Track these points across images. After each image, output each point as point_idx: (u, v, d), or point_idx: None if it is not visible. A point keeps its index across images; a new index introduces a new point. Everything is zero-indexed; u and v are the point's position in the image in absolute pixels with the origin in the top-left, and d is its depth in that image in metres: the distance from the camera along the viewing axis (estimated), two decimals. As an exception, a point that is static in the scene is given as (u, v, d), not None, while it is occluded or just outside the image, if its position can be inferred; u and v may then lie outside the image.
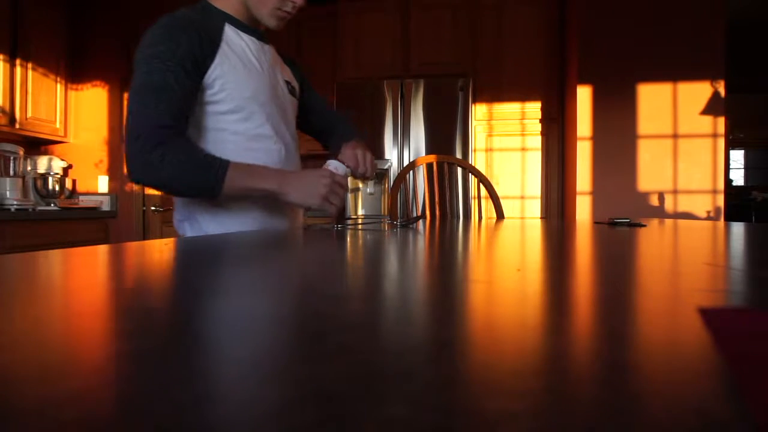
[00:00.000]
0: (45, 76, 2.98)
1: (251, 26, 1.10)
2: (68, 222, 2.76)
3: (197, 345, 0.17)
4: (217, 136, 1.04)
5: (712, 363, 0.15)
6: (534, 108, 3.17)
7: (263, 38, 1.15)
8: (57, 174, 3.00)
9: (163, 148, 0.92)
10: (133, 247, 0.57)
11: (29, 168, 3.01)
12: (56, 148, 3.26)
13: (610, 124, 2.88)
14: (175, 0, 3.42)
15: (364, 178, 1.13)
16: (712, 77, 2.80)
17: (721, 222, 1.62)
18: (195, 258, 0.48)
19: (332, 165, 1.05)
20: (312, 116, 1.36)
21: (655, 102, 2.85)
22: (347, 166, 1.08)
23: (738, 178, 5.30)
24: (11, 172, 2.86)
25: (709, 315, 0.21)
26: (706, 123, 2.82)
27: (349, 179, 1.09)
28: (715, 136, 2.82)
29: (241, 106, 1.04)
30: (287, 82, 1.22)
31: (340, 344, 0.17)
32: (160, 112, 0.92)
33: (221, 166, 0.94)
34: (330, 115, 1.40)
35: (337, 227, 0.92)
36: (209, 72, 0.99)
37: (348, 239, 0.70)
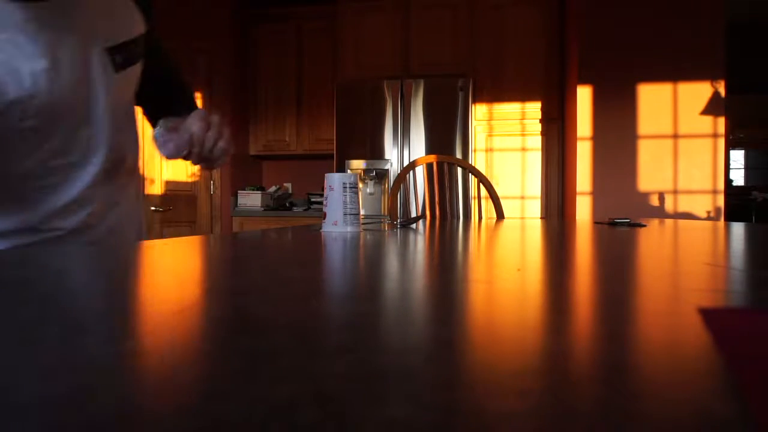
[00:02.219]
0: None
1: None
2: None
3: (197, 345, 0.17)
4: None
5: (712, 363, 0.15)
6: (534, 108, 3.17)
7: None
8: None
9: None
10: (132, 247, 0.57)
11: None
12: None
13: (610, 124, 2.88)
14: (172, 4, 3.41)
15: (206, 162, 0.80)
16: (712, 77, 2.80)
17: (722, 222, 1.62)
18: (190, 258, 0.48)
19: (330, 177, 0.88)
20: None
21: (655, 102, 2.85)
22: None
23: (738, 178, 5.30)
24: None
25: (709, 315, 0.21)
26: (706, 123, 2.82)
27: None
28: (715, 136, 2.82)
29: None
30: None
31: (340, 344, 0.17)
32: None
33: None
34: None
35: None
36: None
37: (348, 239, 0.70)
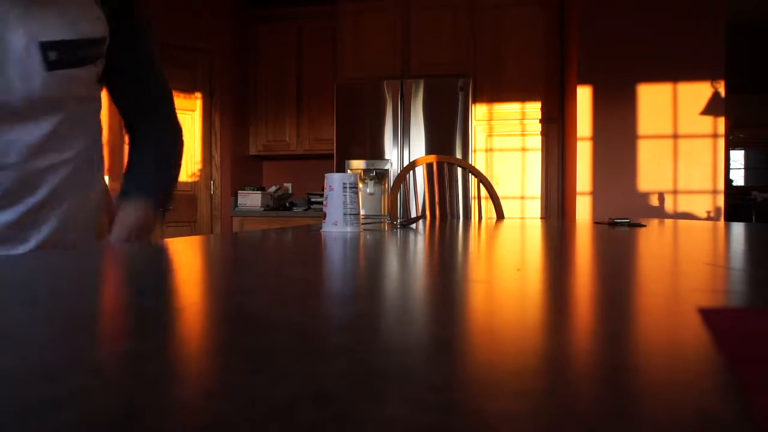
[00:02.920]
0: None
1: None
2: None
3: (197, 345, 0.17)
4: None
5: (712, 363, 0.15)
6: (534, 108, 3.17)
7: None
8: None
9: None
10: (131, 247, 0.57)
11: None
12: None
13: (610, 124, 2.88)
14: (172, 4, 3.41)
15: None
16: (712, 77, 2.80)
17: (721, 222, 1.62)
18: (190, 258, 0.48)
19: (330, 177, 0.88)
20: None
21: (655, 102, 2.85)
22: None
23: (738, 178, 5.30)
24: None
25: (709, 315, 0.21)
26: (706, 123, 2.82)
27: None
28: (715, 136, 2.82)
29: None
30: None
31: (340, 344, 0.17)
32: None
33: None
34: None
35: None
36: None
37: (348, 239, 0.70)
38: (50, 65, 0.68)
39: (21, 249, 0.72)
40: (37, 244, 0.73)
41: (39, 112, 0.70)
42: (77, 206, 0.79)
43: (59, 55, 0.69)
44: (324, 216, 0.88)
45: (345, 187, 0.86)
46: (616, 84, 2.87)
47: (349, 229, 0.86)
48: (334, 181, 0.87)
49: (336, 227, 0.86)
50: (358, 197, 0.88)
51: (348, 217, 0.86)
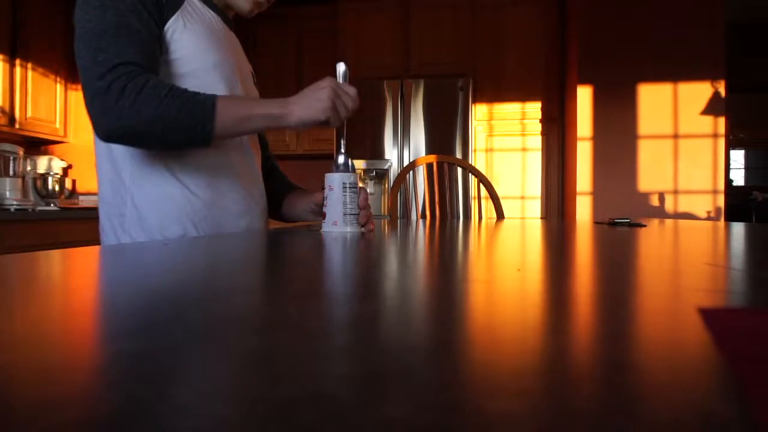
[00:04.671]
0: (45, 76, 2.98)
1: (219, 5, 0.98)
2: (68, 222, 2.75)
3: (196, 345, 0.17)
4: None
5: (712, 363, 0.15)
6: (534, 108, 3.17)
7: (229, 23, 1.01)
8: (57, 174, 3.00)
9: (138, 83, 0.74)
10: (129, 248, 0.57)
11: (29, 168, 3.01)
12: (56, 148, 3.26)
13: (610, 124, 2.88)
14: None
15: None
16: (713, 77, 2.80)
17: (722, 222, 1.62)
18: (190, 258, 0.48)
19: (329, 177, 0.89)
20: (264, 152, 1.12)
21: (656, 102, 2.85)
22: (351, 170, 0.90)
23: (738, 178, 5.30)
24: (11, 172, 2.86)
25: (709, 315, 0.21)
26: (707, 123, 2.82)
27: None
28: (715, 136, 2.82)
29: (200, 73, 0.87)
30: (253, 75, 1.07)
31: (340, 344, 0.17)
32: (127, 51, 0.76)
33: (208, 97, 0.78)
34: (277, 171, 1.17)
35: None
36: (168, 25, 0.83)
37: (348, 239, 0.70)
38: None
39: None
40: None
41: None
42: None
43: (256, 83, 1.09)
44: (323, 216, 0.88)
45: (345, 187, 0.86)
46: (617, 84, 2.87)
47: (348, 229, 0.85)
48: (334, 180, 0.86)
49: (336, 227, 0.86)
50: (358, 197, 0.87)
51: (348, 217, 0.85)
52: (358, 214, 0.87)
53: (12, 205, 2.64)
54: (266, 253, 0.55)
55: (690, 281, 0.33)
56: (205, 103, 0.78)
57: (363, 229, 0.88)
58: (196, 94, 0.78)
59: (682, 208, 2.85)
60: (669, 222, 1.39)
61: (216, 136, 0.79)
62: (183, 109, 0.76)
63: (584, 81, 2.89)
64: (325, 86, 0.84)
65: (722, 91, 2.80)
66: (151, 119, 0.74)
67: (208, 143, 0.80)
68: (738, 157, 5.27)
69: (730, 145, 5.02)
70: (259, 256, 0.53)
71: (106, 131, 0.76)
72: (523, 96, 3.19)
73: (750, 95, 4.82)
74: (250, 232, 0.88)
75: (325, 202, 0.88)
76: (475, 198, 3.05)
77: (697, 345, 0.17)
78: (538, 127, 3.18)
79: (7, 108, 2.73)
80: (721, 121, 2.81)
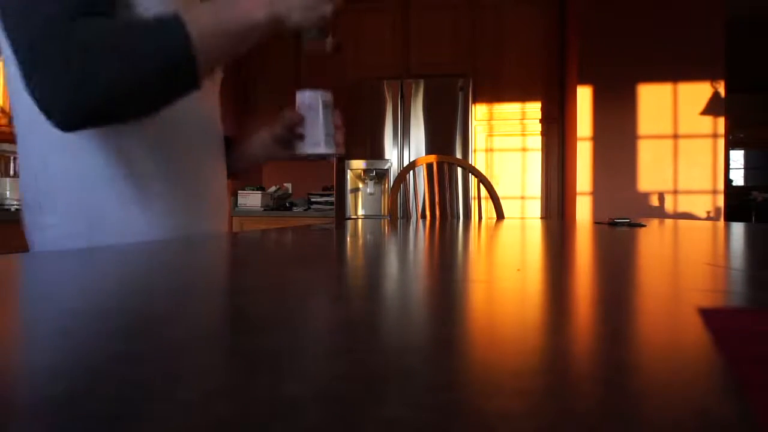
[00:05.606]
0: (45, 76, 2.98)
1: None
2: (68, 222, 2.75)
3: (196, 345, 0.17)
4: None
5: (712, 363, 0.15)
6: (534, 108, 3.17)
7: None
8: (57, 174, 3.00)
9: (83, 37, 0.55)
10: (133, 247, 0.57)
11: (29, 168, 3.01)
12: (56, 148, 3.26)
13: (610, 124, 2.88)
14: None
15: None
16: (712, 77, 2.81)
17: (721, 222, 1.62)
18: (190, 257, 0.48)
19: (306, 95, 0.82)
20: None
21: (655, 102, 2.85)
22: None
23: (738, 178, 5.30)
24: (11, 172, 2.86)
25: (709, 315, 0.21)
26: (706, 123, 2.82)
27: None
28: (715, 136, 2.82)
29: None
30: None
31: (340, 344, 0.17)
32: (60, 2, 0.56)
33: (173, 16, 0.59)
34: None
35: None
36: None
37: (348, 238, 0.70)
38: None
39: None
40: None
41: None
42: None
43: None
44: (300, 138, 0.82)
45: (326, 105, 0.81)
46: (616, 84, 2.87)
47: (331, 150, 0.81)
48: (313, 99, 0.80)
49: (319, 149, 0.81)
50: (333, 116, 0.83)
51: (328, 138, 0.81)
52: (334, 135, 0.82)
53: (12, 205, 2.64)
54: (265, 253, 0.55)
55: (690, 281, 0.33)
56: (173, 23, 0.58)
57: (339, 150, 0.84)
58: (157, 19, 0.59)
59: (682, 208, 2.85)
60: (669, 222, 1.39)
61: (202, 66, 0.61)
62: (150, 43, 0.57)
63: (584, 81, 2.89)
64: None
65: (722, 91, 2.80)
66: (118, 73, 0.56)
67: (196, 80, 0.62)
68: (737, 157, 5.27)
69: (730, 145, 5.02)
70: (257, 255, 0.53)
71: (64, 109, 0.56)
72: (523, 96, 3.19)
73: (750, 95, 4.82)
74: (246, 232, 0.88)
75: (299, 122, 0.81)
76: (475, 198, 3.05)
77: (697, 345, 0.17)
78: (538, 127, 3.18)
79: (7, 108, 2.73)
80: (721, 121, 2.81)
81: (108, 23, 0.58)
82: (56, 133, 0.58)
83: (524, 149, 3.19)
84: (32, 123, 0.65)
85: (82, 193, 0.68)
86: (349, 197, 3.16)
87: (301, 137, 0.81)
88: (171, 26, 0.58)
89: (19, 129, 0.70)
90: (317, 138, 0.80)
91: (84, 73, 0.55)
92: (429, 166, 2.04)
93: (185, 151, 0.75)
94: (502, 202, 3.11)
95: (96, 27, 0.57)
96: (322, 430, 0.10)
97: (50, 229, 0.71)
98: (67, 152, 0.67)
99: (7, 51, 0.61)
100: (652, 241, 0.68)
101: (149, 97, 0.60)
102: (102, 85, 0.55)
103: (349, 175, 3.14)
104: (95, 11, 0.58)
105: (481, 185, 1.82)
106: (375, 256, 0.51)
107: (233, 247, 0.59)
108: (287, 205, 3.64)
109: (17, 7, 0.56)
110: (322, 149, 0.81)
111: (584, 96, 2.89)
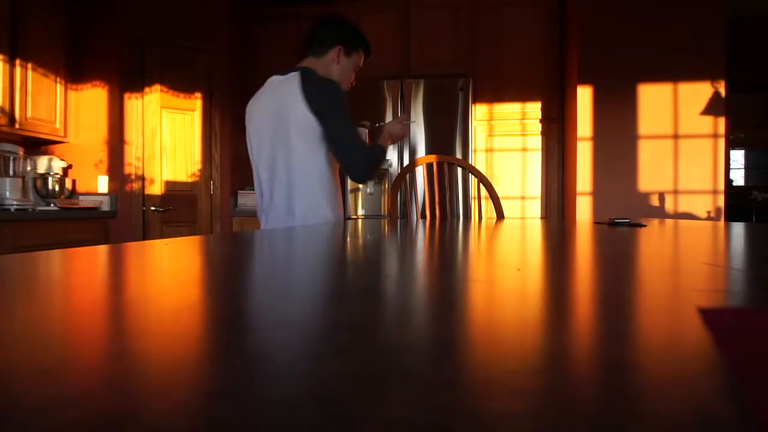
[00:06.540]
0: (45, 76, 2.98)
1: None
2: (68, 222, 2.76)
3: (196, 345, 0.17)
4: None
5: (712, 363, 0.15)
6: (534, 108, 3.17)
7: None
8: (57, 174, 3.00)
9: (367, 154, 1.60)
10: (133, 246, 0.57)
11: (29, 168, 3.01)
12: (56, 148, 3.26)
13: (610, 124, 2.88)
14: (172, 3, 3.41)
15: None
16: (713, 77, 2.81)
17: (722, 222, 1.62)
18: (190, 258, 0.48)
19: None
20: None
21: (656, 102, 2.85)
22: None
23: (738, 178, 5.30)
24: (11, 172, 2.86)
25: (709, 315, 0.21)
26: (707, 123, 2.82)
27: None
28: (715, 136, 2.82)
29: None
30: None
31: (340, 344, 0.17)
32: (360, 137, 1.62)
33: (379, 145, 1.68)
34: None
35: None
36: None
37: (348, 238, 0.70)
38: None
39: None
40: None
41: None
42: None
43: None
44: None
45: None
46: (616, 84, 2.87)
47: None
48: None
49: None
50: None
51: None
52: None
53: (12, 205, 2.64)
54: (265, 253, 0.55)
55: (690, 281, 0.33)
56: (381, 147, 1.68)
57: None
58: (373, 146, 1.65)
59: (682, 208, 2.85)
60: (669, 222, 1.39)
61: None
62: (381, 157, 1.66)
63: (584, 81, 2.89)
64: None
65: (722, 91, 2.80)
66: (375, 167, 1.64)
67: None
68: (738, 157, 5.27)
69: (730, 145, 5.02)
70: (257, 255, 0.53)
71: (368, 178, 1.64)
72: (523, 96, 3.19)
73: (750, 95, 4.82)
74: (243, 232, 0.88)
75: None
76: (475, 198, 3.05)
77: (697, 345, 0.17)
78: (538, 127, 3.18)
79: (7, 108, 2.73)
80: (721, 121, 2.81)
81: (368, 149, 1.62)
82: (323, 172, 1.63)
83: (524, 149, 3.19)
84: (305, 168, 1.62)
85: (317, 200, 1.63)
86: (349, 197, 3.16)
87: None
88: (381, 148, 1.67)
89: (296, 164, 1.63)
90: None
91: (372, 169, 1.63)
92: (429, 166, 2.04)
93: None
94: (502, 202, 3.11)
95: (368, 149, 1.62)
96: (323, 430, 0.10)
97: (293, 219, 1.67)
98: (316, 179, 1.61)
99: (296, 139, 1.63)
100: (653, 241, 0.68)
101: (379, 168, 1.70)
102: (374, 171, 1.64)
103: (349, 175, 3.14)
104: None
105: (481, 185, 1.82)
106: (375, 255, 0.51)
107: (234, 247, 0.59)
108: (287, 205, 3.64)
109: (343, 131, 1.60)
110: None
111: (584, 96, 2.89)
